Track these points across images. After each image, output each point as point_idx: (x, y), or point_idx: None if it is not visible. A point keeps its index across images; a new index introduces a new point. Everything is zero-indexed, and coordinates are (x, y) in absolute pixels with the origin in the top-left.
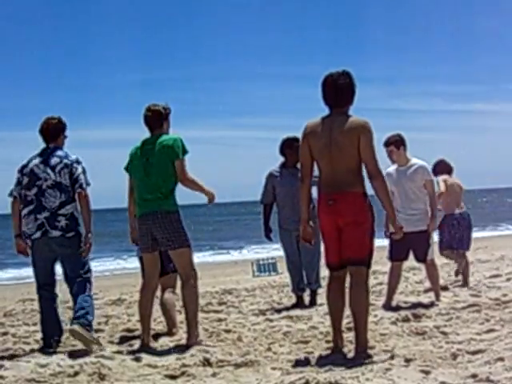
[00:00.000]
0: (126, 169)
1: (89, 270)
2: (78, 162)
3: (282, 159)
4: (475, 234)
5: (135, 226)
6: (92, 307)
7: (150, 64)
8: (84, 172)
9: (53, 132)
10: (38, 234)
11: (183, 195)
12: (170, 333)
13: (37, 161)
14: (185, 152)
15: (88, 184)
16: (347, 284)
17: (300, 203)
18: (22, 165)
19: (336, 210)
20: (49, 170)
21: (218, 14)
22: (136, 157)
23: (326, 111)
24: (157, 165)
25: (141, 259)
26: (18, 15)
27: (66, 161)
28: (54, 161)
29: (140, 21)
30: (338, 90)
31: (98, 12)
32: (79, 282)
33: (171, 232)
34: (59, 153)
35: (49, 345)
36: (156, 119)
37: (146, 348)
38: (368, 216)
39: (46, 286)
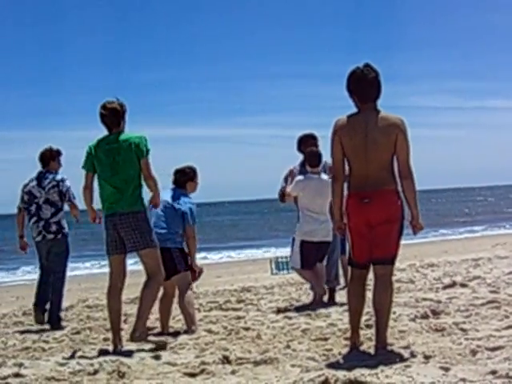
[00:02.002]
0: (84, 167)
1: (66, 266)
2: (63, 181)
3: (300, 157)
4: (496, 231)
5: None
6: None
7: (163, 63)
8: (69, 188)
9: (45, 160)
10: (39, 238)
11: (202, 193)
12: (188, 330)
13: (33, 183)
14: (148, 151)
15: (74, 197)
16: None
17: (333, 201)
18: (24, 184)
19: (371, 208)
20: (41, 190)
21: (235, 12)
22: (99, 156)
23: (343, 109)
24: (124, 164)
25: None
26: (31, 18)
27: (53, 182)
28: (44, 183)
29: (153, 19)
30: (370, 85)
31: (110, 10)
32: (58, 274)
33: (137, 232)
34: (49, 175)
35: (39, 315)
36: (113, 117)
37: (118, 351)
38: (400, 214)
39: (45, 271)
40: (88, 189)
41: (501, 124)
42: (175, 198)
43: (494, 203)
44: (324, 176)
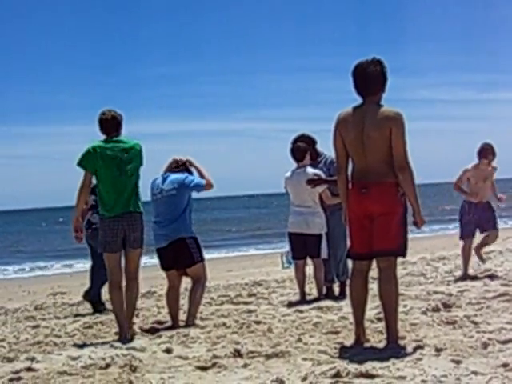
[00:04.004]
0: (81, 164)
1: (95, 258)
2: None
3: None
4: (505, 225)
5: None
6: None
7: (176, 57)
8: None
9: None
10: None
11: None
12: (188, 322)
13: None
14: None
15: None
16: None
17: (340, 194)
18: None
19: (369, 198)
20: None
21: (245, 6)
22: (104, 156)
23: (353, 102)
24: (131, 166)
25: (158, 251)
26: (43, 13)
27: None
28: None
29: (166, 13)
30: (369, 78)
31: (121, 4)
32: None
33: (141, 232)
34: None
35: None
36: (113, 123)
37: (125, 341)
38: (400, 206)
39: None
40: (87, 188)
41: None
42: (169, 184)
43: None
44: (309, 169)
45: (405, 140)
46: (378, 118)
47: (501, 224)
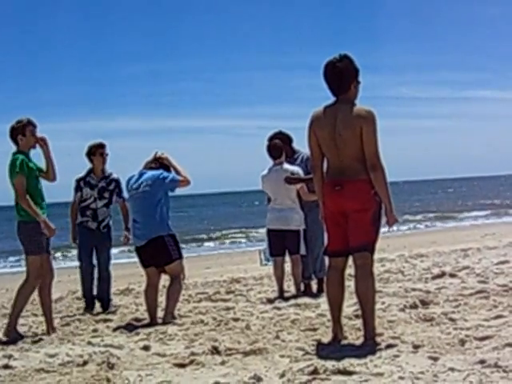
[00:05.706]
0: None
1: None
2: None
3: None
4: (484, 221)
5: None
6: None
7: (153, 55)
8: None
9: None
10: None
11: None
12: (164, 319)
13: None
14: (16, 172)
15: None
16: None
17: (316, 192)
18: None
19: (343, 196)
20: None
21: (228, 5)
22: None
23: (329, 99)
24: (11, 180)
25: (137, 250)
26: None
27: None
28: None
29: (149, 10)
30: (338, 75)
31: (106, 2)
32: None
33: (24, 240)
34: None
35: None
36: (11, 135)
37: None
38: (373, 202)
39: None
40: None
41: (489, 114)
42: (144, 180)
43: (480, 194)
44: (286, 166)
45: (376, 138)
46: (349, 117)
47: (479, 220)
